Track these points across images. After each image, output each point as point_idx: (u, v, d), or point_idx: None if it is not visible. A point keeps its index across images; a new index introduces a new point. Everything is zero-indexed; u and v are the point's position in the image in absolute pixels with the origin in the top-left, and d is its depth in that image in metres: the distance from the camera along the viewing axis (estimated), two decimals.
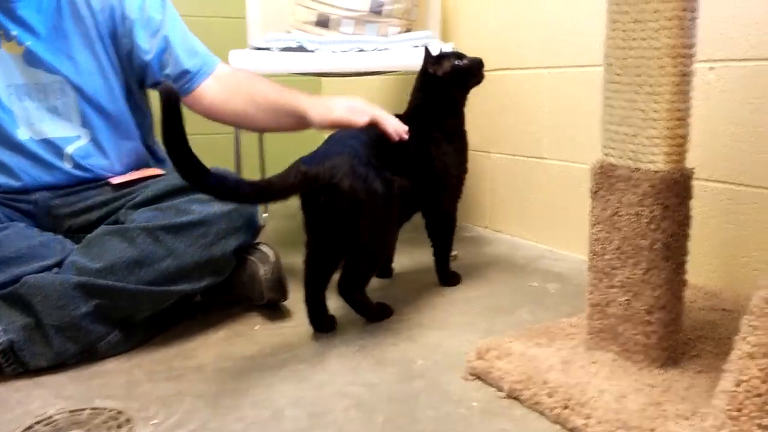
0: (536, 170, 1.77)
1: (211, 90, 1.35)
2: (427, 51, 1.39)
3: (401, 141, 1.27)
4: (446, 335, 1.19)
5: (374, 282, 1.44)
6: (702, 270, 1.35)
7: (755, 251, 1.27)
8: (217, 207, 1.22)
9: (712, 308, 1.19)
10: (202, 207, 1.21)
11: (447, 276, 1.47)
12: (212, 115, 1.38)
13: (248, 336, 1.22)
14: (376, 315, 1.28)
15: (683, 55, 0.90)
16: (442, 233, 1.46)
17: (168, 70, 1.32)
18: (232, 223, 1.24)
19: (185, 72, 1.33)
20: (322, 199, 1.15)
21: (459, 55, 1.40)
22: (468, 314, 1.29)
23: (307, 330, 1.23)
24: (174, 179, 1.24)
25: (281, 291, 1.30)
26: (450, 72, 1.38)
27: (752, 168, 1.27)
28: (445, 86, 1.38)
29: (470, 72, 1.40)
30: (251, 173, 2.18)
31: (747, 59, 1.25)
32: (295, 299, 1.36)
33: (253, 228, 1.31)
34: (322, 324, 1.24)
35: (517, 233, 1.86)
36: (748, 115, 1.26)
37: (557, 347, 1.05)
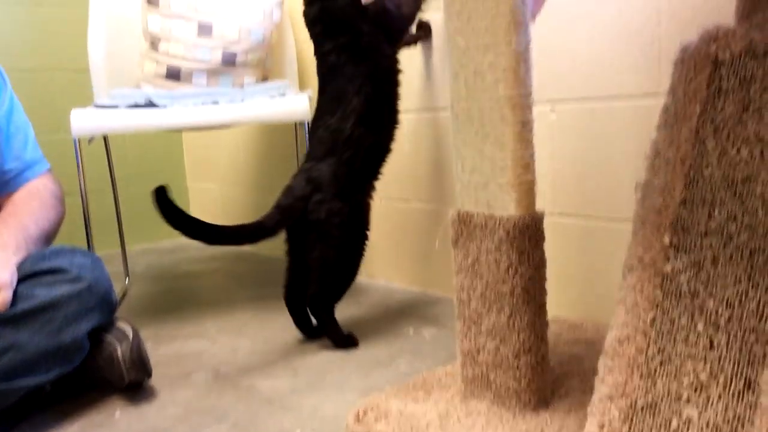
0: (404, 213, 1.79)
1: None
2: None
3: None
4: (323, 397, 1.15)
5: (246, 342, 1.38)
6: (564, 302, 1.41)
7: (608, 281, 1.34)
8: (65, 288, 1.11)
9: (576, 341, 1.23)
10: (47, 290, 1.10)
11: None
12: None
13: (107, 426, 1.11)
14: (342, 340, 1.38)
15: (522, 105, 0.93)
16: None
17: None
18: (83, 303, 1.14)
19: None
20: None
21: None
22: (345, 371, 1.26)
23: (174, 411, 1.14)
24: None
25: (144, 370, 1.21)
26: None
27: (598, 201, 1.34)
28: None
29: None
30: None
31: (582, 98, 1.33)
32: (159, 375, 1.27)
33: (108, 306, 1.21)
34: (309, 329, 1.44)
35: (391, 278, 1.86)
36: (589, 152, 1.34)
37: (434, 400, 1.04)
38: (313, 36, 1.41)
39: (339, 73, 1.36)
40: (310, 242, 1.34)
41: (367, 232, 1.41)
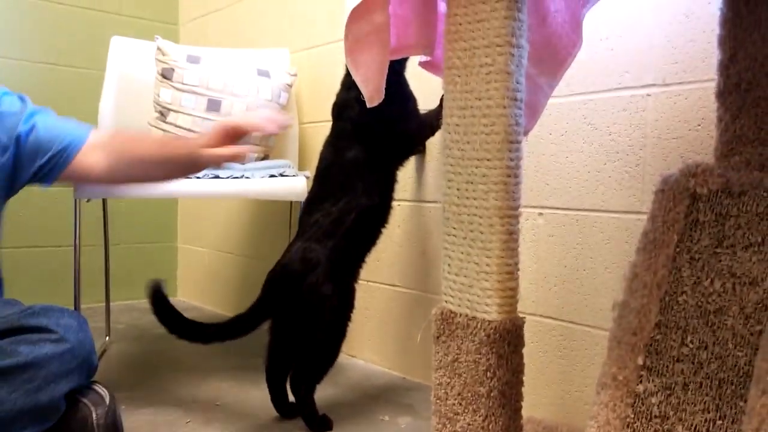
0: (390, 297, 1.82)
1: (96, 162, 1.30)
2: None
3: None
4: None
5: (220, 415, 1.38)
6: (540, 402, 1.42)
7: (585, 386, 1.37)
8: (48, 348, 1.12)
9: None
10: (31, 348, 1.11)
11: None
12: (107, 182, 1.42)
13: None
14: (316, 424, 1.37)
15: (510, 215, 0.98)
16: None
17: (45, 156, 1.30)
18: (64, 365, 1.14)
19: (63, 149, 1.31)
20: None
21: None
22: None
23: None
24: None
25: None
26: None
27: (578, 307, 1.38)
28: None
29: None
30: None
31: (569, 208, 1.39)
32: None
33: (88, 369, 1.22)
34: (285, 408, 1.44)
35: (371, 359, 1.87)
36: (573, 259, 1.39)
37: None
38: (337, 127, 1.49)
39: (350, 169, 1.43)
40: (298, 320, 1.36)
41: (351, 314, 1.44)
